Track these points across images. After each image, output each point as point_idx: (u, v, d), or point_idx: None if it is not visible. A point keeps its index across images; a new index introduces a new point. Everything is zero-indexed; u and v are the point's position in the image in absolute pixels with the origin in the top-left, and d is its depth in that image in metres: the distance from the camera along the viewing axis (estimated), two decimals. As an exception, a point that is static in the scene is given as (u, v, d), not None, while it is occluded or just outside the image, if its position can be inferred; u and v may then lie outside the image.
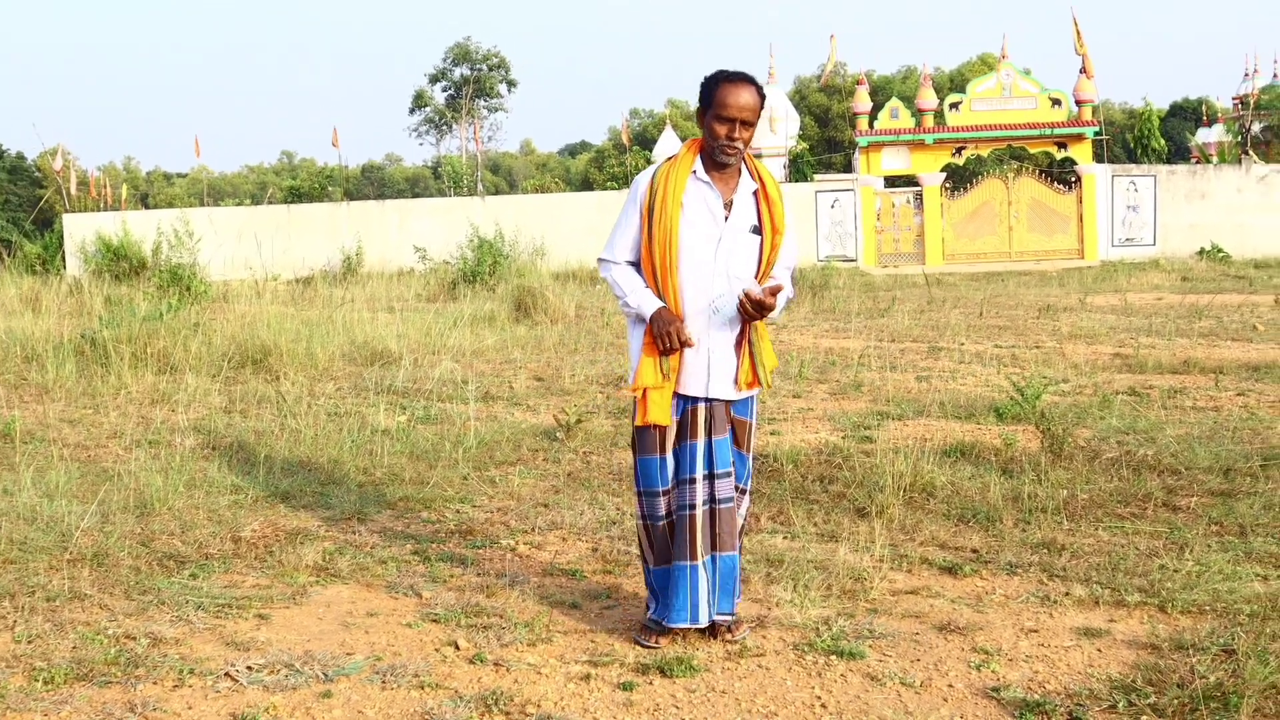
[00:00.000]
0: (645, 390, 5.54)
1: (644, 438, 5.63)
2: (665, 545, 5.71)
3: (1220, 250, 37.31)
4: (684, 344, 5.46)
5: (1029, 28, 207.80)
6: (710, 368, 5.56)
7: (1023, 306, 22.33)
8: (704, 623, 5.64)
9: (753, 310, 5.41)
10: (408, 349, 15.44)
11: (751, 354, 5.63)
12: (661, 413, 5.54)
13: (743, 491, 5.76)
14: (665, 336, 5.45)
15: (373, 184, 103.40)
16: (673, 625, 5.64)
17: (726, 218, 5.53)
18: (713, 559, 5.66)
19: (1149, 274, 30.60)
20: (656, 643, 5.69)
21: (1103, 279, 29.99)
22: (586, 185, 71.39)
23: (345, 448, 9.70)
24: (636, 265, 5.63)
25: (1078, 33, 39.27)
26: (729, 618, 5.74)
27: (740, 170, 5.61)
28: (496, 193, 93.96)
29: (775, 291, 5.44)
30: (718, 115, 5.41)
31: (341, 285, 28.49)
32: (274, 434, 10.29)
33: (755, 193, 5.61)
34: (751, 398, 5.74)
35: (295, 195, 43.79)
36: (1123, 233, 38.94)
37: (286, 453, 9.67)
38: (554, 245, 37.13)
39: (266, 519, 7.97)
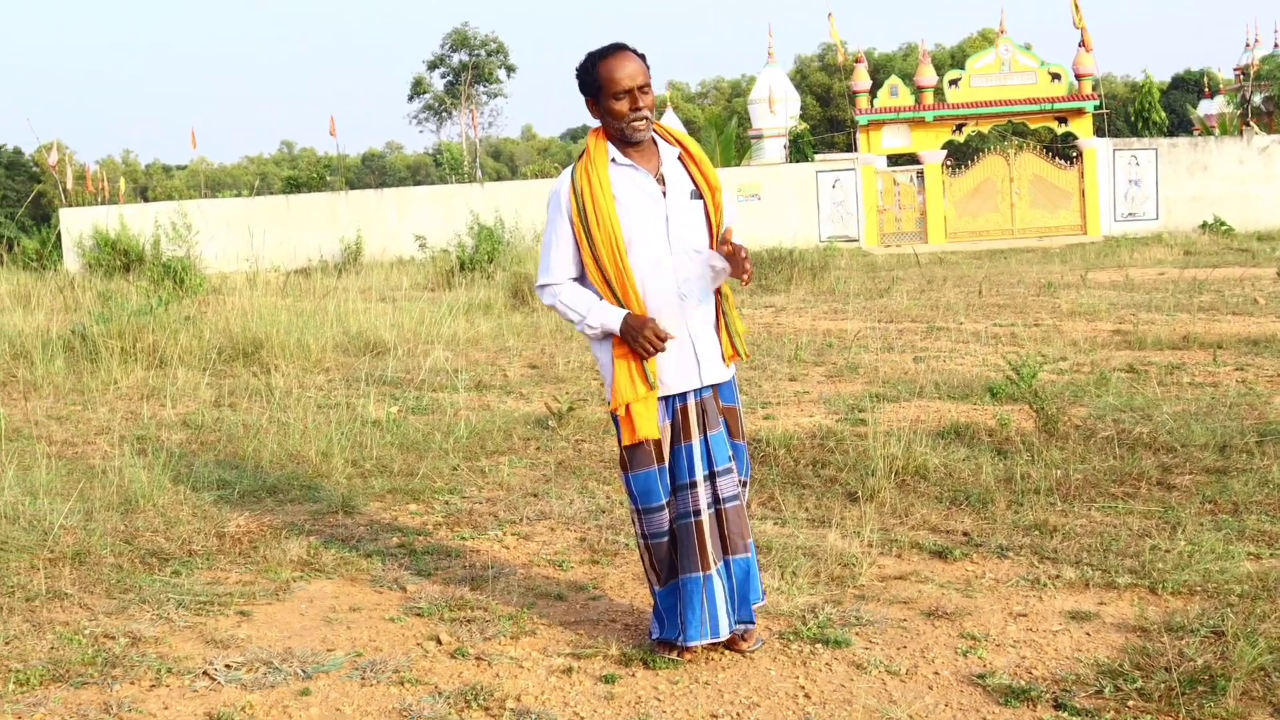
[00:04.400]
0: (628, 406, 5.20)
1: (635, 454, 5.26)
2: (671, 562, 5.36)
3: (1223, 223, 37.17)
4: (665, 341, 5.13)
5: (1028, 2, 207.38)
6: (698, 355, 5.23)
7: (1023, 284, 22.24)
8: (725, 635, 5.29)
9: (746, 265, 5.11)
10: (401, 339, 15.40)
11: (726, 325, 5.33)
12: (650, 425, 5.18)
13: (744, 484, 5.41)
14: (645, 343, 5.10)
15: (373, 173, 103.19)
16: (690, 644, 5.28)
17: (664, 193, 5.21)
18: (726, 564, 5.31)
19: (1151, 249, 30.49)
20: (680, 655, 5.36)
21: (1105, 254, 29.90)
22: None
23: (334, 440, 9.62)
24: (580, 281, 5.27)
25: (1076, 6, 39.12)
26: (748, 625, 5.39)
27: (655, 141, 5.32)
28: (498, 179, 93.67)
29: (728, 242, 5.16)
30: (612, 94, 5.13)
31: (340, 275, 28.45)
32: (263, 427, 10.24)
33: (680, 157, 5.32)
34: (733, 380, 5.43)
35: (294, 185, 43.63)
36: (1125, 207, 38.81)
37: (275, 446, 9.62)
38: (555, 231, 37.00)
39: (252, 514, 7.93)
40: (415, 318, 16.68)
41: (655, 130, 5.33)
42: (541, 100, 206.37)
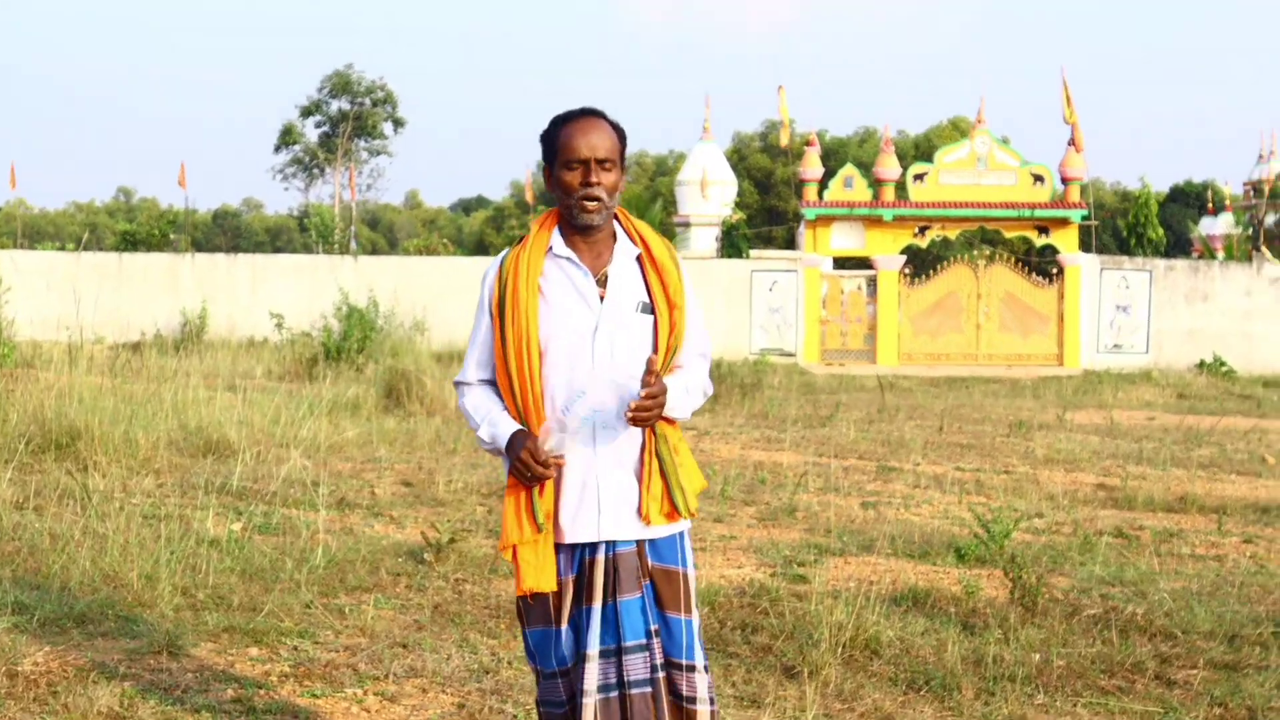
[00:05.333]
0: (514, 548, 5.03)
1: (529, 607, 5.12)
2: None
3: (1224, 363, 37.75)
4: (549, 467, 4.92)
5: (1009, 88, 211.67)
6: (600, 500, 4.99)
7: (991, 421, 22.39)
8: None
9: (645, 414, 4.88)
10: (250, 439, 15.16)
11: (663, 473, 5.06)
12: (541, 575, 5.00)
13: (692, 669, 5.08)
14: (522, 467, 4.93)
15: (226, 234, 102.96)
16: None
17: (602, 297, 5.05)
18: None
19: (1140, 388, 30.84)
20: None
21: (1085, 391, 30.20)
22: (481, 249, 71.33)
23: (162, 560, 9.37)
24: (491, 383, 5.20)
25: (1067, 97, 39.86)
26: None
27: (614, 234, 5.18)
28: (374, 251, 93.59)
29: (651, 374, 4.90)
30: (565, 162, 5.03)
31: (179, 354, 28.06)
32: (75, 539, 9.96)
33: (639, 259, 5.15)
34: (678, 536, 5.15)
35: (130, 242, 43.18)
36: (1110, 337, 39.38)
37: (88, 564, 9.35)
38: (439, 319, 36.90)
39: (54, 648, 7.67)
40: (268, 414, 16.44)
41: (619, 221, 5.21)
42: (432, 163, 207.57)
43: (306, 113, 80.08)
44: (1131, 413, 24.75)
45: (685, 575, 5.14)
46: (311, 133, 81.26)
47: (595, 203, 5.02)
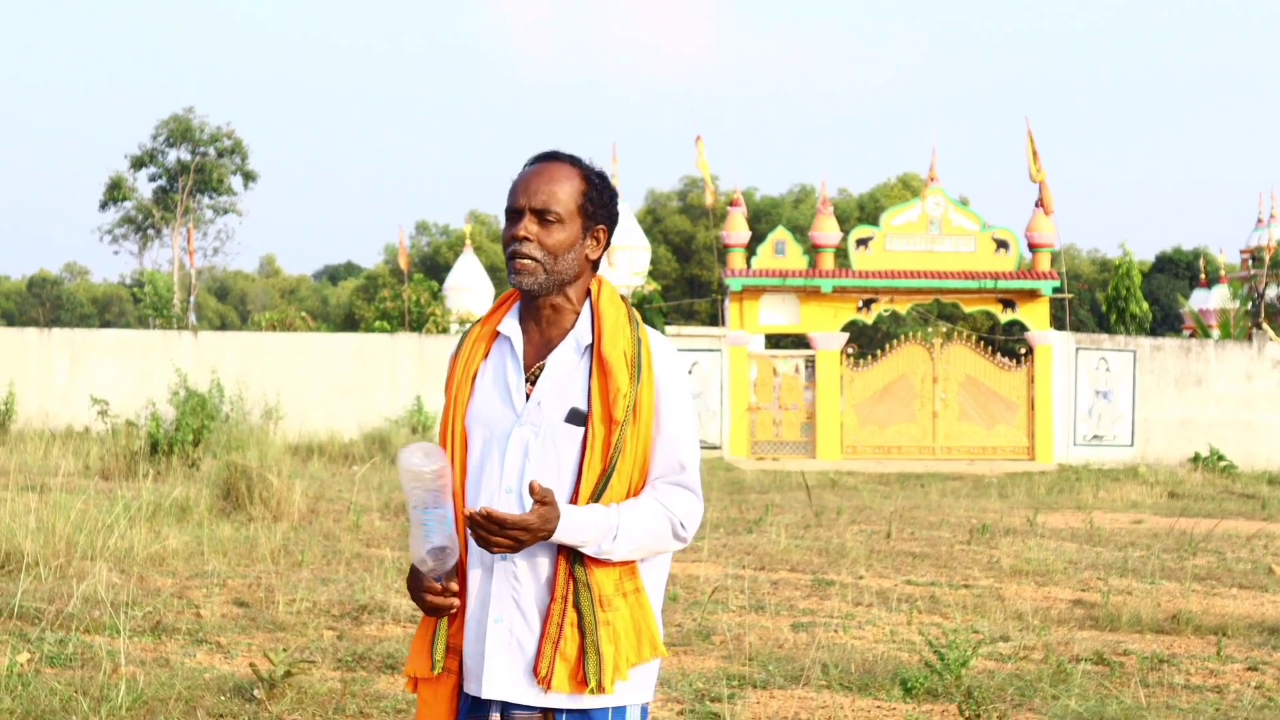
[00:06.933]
0: (415, 680, 4.90)
1: None
2: None
3: (1221, 457, 37.96)
4: (441, 594, 4.71)
5: (967, 142, 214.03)
6: (488, 649, 4.76)
7: (949, 524, 22.32)
8: None
9: (484, 534, 4.58)
10: (49, 550, 14.77)
11: (581, 630, 4.73)
12: (434, 716, 4.85)
13: None
14: (411, 592, 4.82)
15: (44, 304, 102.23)
16: None
17: (528, 395, 4.86)
18: None
19: (1124, 486, 30.87)
20: None
21: (1060, 489, 30.23)
22: (350, 323, 71.03)
23: None
24: None
25: (1034, 151, 40.15)
26: None
27: (576, 313, 4.95)
28: (223, 326, 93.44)
29: (537, 499, 4.58)
30: (507, 213, 4.89)
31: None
32: None
33: (588, 349, 4.90)
34: (610, 713, 4.79)
35: (-79, 315, 42.95)
36: (1089, 427, 39.54)
37: None
38: (296, 405, 36.71)
39: None
40: (73, 519, 16.03)
41: (591, 300, 4.94)
42: (291, 224, 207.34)
43: (139, 164, 79.82)
44: (1115, 515, 24.75)
45: None
46: (145, 187, 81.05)
47: (525, 261, 4.82)
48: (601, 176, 4.91)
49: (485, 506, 4.56)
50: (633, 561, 4.79)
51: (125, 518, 16.66)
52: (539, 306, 4.88)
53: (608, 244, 5.00)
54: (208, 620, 12.70)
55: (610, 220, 4.94)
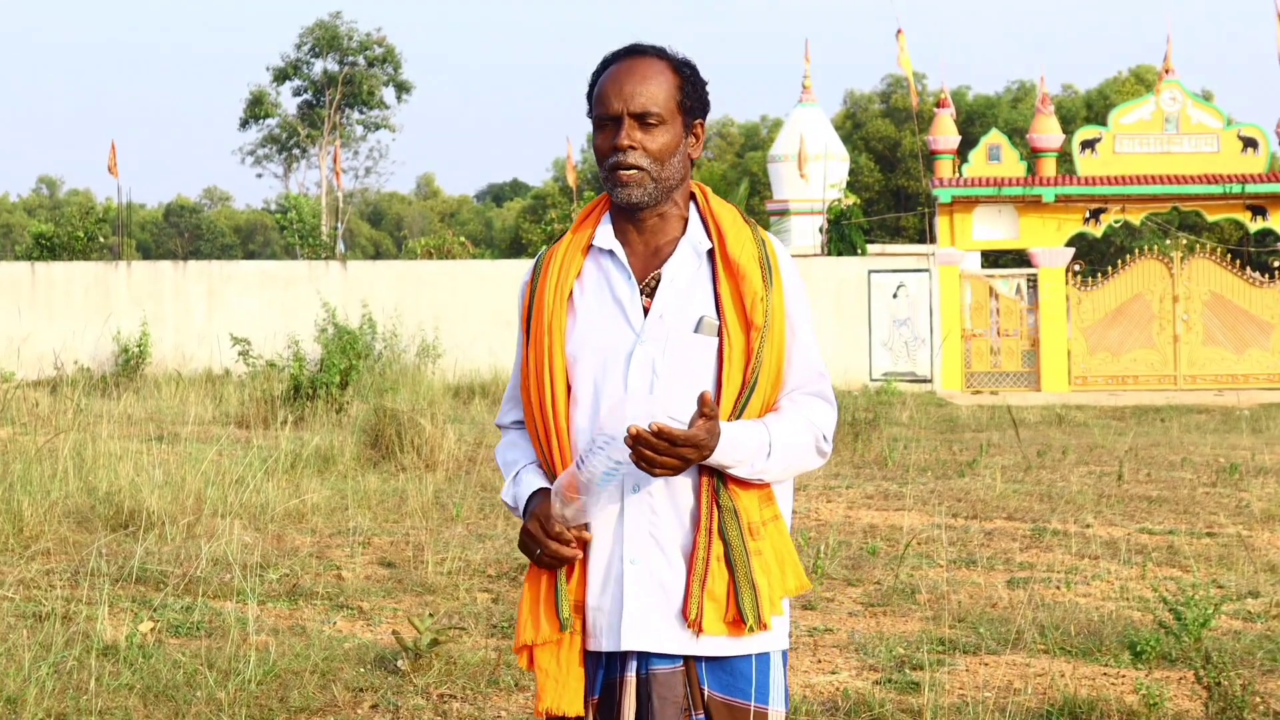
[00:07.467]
0: (530, 651, 4.79)
1: None
2: None
3: None
4: (568, 543, 4.62)
5: (1207, 26, 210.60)
6: (625, 595, 4.70)
7: (1191, 464, 22.09)
8: None
9: (650, 452, 4.50)
10: (177, 507, 14.99)
11: (729, 563, 4.70)
12: (564, 692, 4.74)
13: None
14: (531, 541, 4.70)
15: (183, 235, 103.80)
16: None
17: (647, 309, 4.79)
18: None
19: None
20: None
21: (1322, 423, 29.66)
22: (516, 248, 71.45)
23: (34, 676, 9.22)
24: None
25: (1283, 32, 39.22)
26: None
27: (683, 220, 4.92)
28: (376, 255, 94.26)
29: (702, 413, 4.52)
30: (597, 120, 4.81)
31: (107, 393, 27.99)
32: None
33: (710, 256, 4.85)
34: (759, 660, 4.80)
35: (47, 247, 43.34)
36: (1358, 349, 38.82)
37: (-66, 680, 9.19)
38: (456, 340, 36.93)
39: None
40: (204, 472, 16.17)
41: (696, 204, 4.93)
42: (451, 141, 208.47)
43: (282, 76, 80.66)
44: (1388, 449, 24.24)
45: (760, 714, 4.77)
46: (289, 103, 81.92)
47: (631, 172, 4.78)
48: (691, 66, 4.90)
49: (655, 423, 4.47)
50: (769, 485, 4.76)
51: (261, 469, 16.88)
52: (642, 217, 4.82)
53: (705, 138, 4.96)
54: (349, 583, 12.86)
55: (706, 112, 4.95)
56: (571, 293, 4.84)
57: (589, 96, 4.91)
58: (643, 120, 4.75)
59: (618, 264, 4.83)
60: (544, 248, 5.02)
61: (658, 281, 4.80)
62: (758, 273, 4.80)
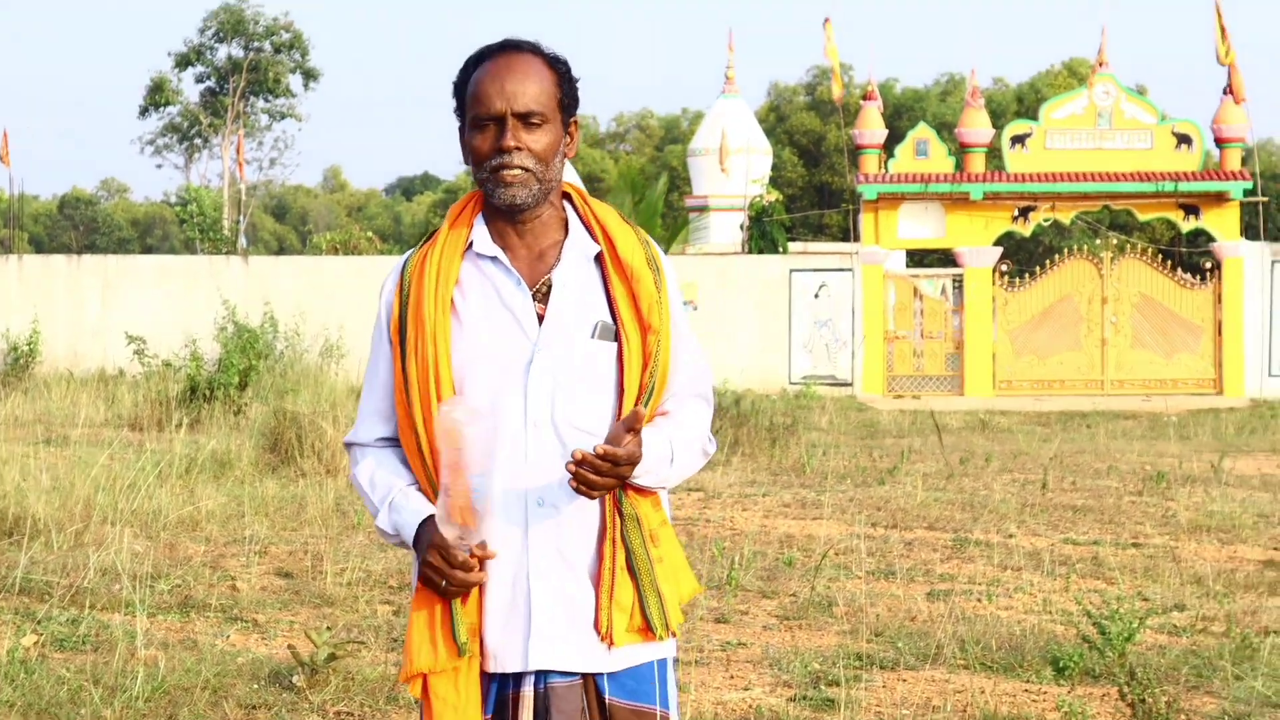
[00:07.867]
0: (424, 678, 4.72)
1: None
2: None
3: None
4: (471, 570, 4.56)
5: (1142, 20, 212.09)
6: (533, 613, 4.68)
7: (1117, 472, 22.32)
8: None
9: (594, 475, 4.50)
10: (64, 514, 15.00)
11: (632, 571, 4.75)
12: (461, 717, 4.70)
13: None
14: (433, 572, 4.61)
15: (78, 228, 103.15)
16: None
17: (542, 316, 4.75)
18: None
19: (1329, 424, 30.65)
20: None
21: (1252, 429, 30.20)
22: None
23: None
24: (396, 442, 4.92)
25: (1222, 28, 39.64)
26: None
27: (563, 222, 4.91)
28: (279, 250, 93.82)
29: (630, 428, 4.55)
30: (474, 120, 4.76)
31: (-6, 395, 27.90)
32: None
33: (598, 259, 4.85)
34: (656, 666, 4.85)
35: (-64, 241, 43.29)
36: (1288, 354, 39.11)
37: None
38: (362, 340, 36.62)
39: None
40: (94, 477, 16.14)
41: (573, 206, 4.91)
42: (359, 131, 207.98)
43: (184, 62, 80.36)
44: (1318, 459, 24.49)
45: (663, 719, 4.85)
46: (191, 90, 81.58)
47: (516, 172, 4.75)
48: (566, 63, 4.88)
49: (600, 445, 4.47)
50: (657, 491, 4.82)
51: (154, 474, 16.85)
52: (523, 219, 4.80)
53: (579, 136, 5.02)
54: (244, 594, 12.84)
55: (577, 109, 4.95)
56: (451, 303, 4.79)
57: (458, 94, 4.89)
58: (526, 120, 4.71)
59: (503, 269, 4.78)
60: (410, 251, 4.96)
61: (549, 287, 4.77)
62: (649, 275, 4.84)
